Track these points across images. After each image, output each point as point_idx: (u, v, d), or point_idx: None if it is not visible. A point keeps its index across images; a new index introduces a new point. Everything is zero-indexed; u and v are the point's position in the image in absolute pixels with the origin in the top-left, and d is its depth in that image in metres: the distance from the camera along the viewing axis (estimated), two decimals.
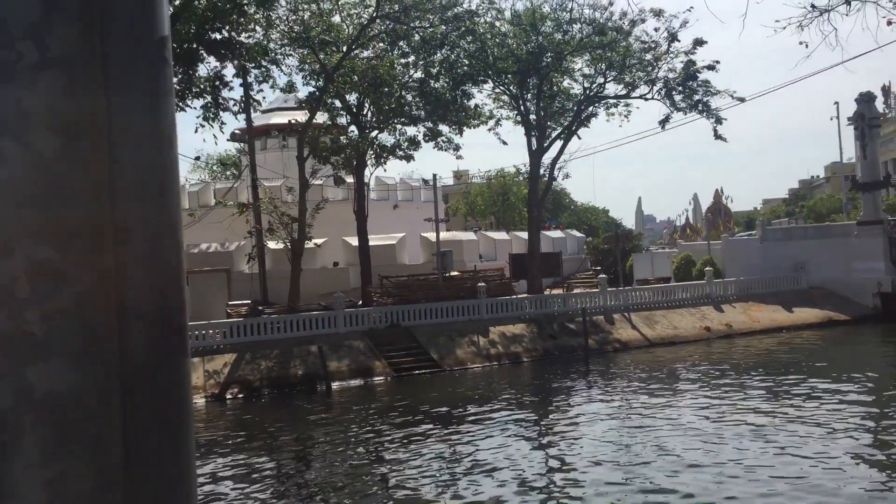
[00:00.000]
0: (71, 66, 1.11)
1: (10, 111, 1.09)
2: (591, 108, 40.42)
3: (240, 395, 26.95)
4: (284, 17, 33.62)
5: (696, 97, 38.67)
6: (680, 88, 38.73)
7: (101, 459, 1.11)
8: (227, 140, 47.68)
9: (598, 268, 48.02)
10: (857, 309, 37.77)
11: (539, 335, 32.97)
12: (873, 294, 38.29)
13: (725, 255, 43.13)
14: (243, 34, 29.86)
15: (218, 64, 29.41)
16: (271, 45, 33.00)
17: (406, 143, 36.91)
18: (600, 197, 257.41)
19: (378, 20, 34.67)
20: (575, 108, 40.12)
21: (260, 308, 32.79)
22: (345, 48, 34.18)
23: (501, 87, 39.87)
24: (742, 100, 38.49)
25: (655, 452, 17.14)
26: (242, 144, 45.80)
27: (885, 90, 64.13)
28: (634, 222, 72.09)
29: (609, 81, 39.86)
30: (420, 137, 37.13)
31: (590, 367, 29.96)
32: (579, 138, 41.09)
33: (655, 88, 39.21)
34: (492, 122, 40.04)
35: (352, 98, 36.85)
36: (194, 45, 27.23)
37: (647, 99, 39.74)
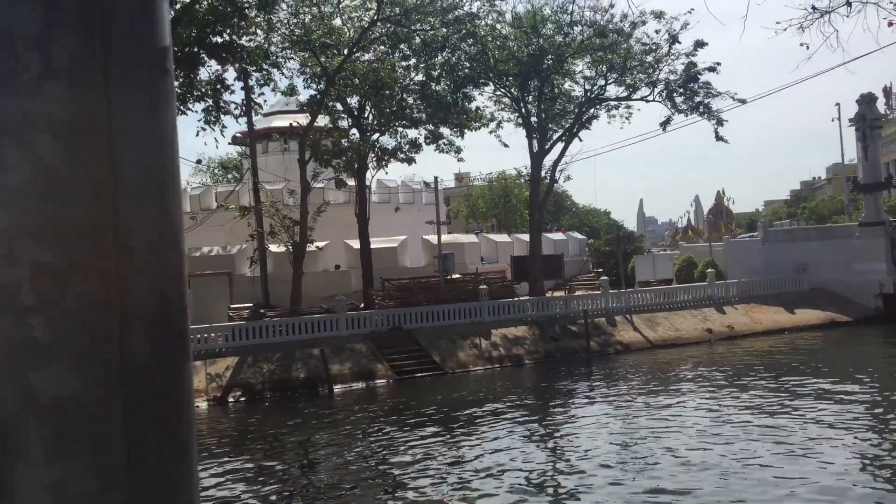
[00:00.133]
0: (73, 75, 1.13)
1: (14, 119, 1.12)
2: (592, 111, 40.45)
3: (242, 399, 26.96)
4: (285, 21, 33.68)
5: (698, 99, 38.68)
6: (681, 90, 38.75)
7: (103, 461, 1.13)
8: (229, 143, 47.79)
9: (600, 270, 48.03)
10: (859, 310, 37.73)
11: (541, 337, 32.96)
12: (875, 295, 38.26)
13: (727, 257, 43.12)
14: (244, 37, 29.91)
15: (219, 67, 29.48)
16: (272, 49, 33.05)
17: (407, 146, 36.96)
18: (602, 199, 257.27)
19: (379, 23, 34.71)
20: (576, 111, 40.14)
21: (262, 311, 32.80)
22: (346, 51, 34.22)
23: (502, 90, 39.91)
24: (743, 101, 38.51)
25: (661, 454, 17.11)
26: (244, 148, 45.82)
27: (887, 91, 64.09)
28: (636, 224, 72.06)
29: (610, 83, 39.91)
30: (421, 140, 37.20)
31: (592, 369, 29.95)
32: (580, 140, 41.05)
33: (656, 90, 39.26)
34: (493, 125, 40.10)
35: (353, 101, 36.89)
36: (195, 49, 27.29)
37: (648, 101, 39.77)
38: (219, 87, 29.63)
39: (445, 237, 41.01)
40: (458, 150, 38.44)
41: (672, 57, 38.39)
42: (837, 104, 56.55)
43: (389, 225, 42.03)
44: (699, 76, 38.23)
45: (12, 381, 1.11)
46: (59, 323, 1.12)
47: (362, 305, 34.81)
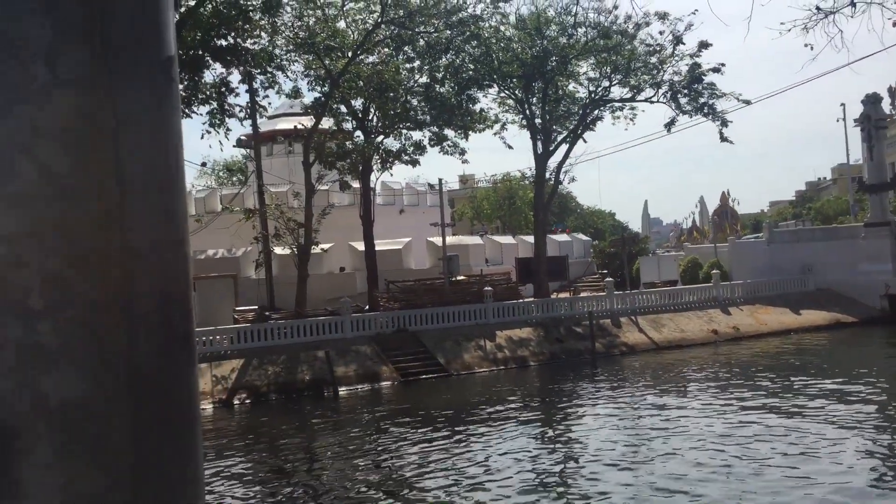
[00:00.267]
0: (81, 87, 1.15)
1: (23, 130, 1.14)
2: (596, 112, 40.43)
3: (247, 401, 27.01)
4: (290, 24, 33.77)
5: (702, 100, 38.66)
6: (685, 91, 38.73)
7: (111, 464, 1.16)
8: (233, 146, 47.97)
9: (605, 271, 48.00)
10: (865, 311, 37.65)
11: (546, 339, 32.96)
12: (881, 296, 38.17)
13: (732, 258, 43.06)
14: (249, 40, 30.02)
15: (224, 70, 29.59)
16: (277, 51, 33.16)
17: (412, 148, 37.01)
18: (606, 200, 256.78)
19: (383, 26, 34.77)
20: (580, 112, 40.14)
21: (267, 313, 32.87)
22: (350, 54, 34.29)
23: (507, 92, 39.93)
24: (748, 102, 38.48)
25: (670, 455, 17.09)
26: (248, 150, 45.98)
27: (892, 91, 63.90)
28: (641, 225, 71.91)
29: (614, 85, 39.90)
30: (426, 142, 37.24)
31: (597, 371, 29.94)
32: (585, 142, 41.13)
33: (661, 91, 39.24)
34: (497, 127, 40.13)
35: (357, 103, 36.96)
36: (200, 52, 27.38)
37: (652, 102, 39.77)
38: (223, 89, 29.73)
39: (450, 239, 41.03)
40: (463, 152, 38.50)
41: (676, 58, 38.43)
42: (842, 104, 56.61)
43: (394, 227, 42.07)
44: (703, 77, 38.21)
45: (21, 384, 1.13)
46: (66, 327, 1.14)
47: (367, 307, 34.85)
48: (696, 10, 40.84)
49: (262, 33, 31.16)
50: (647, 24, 37.66)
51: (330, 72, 34.05)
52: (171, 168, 1.26)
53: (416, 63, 37.14)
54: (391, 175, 41.11)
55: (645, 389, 25.74)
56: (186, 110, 27.74)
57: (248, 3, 28.91)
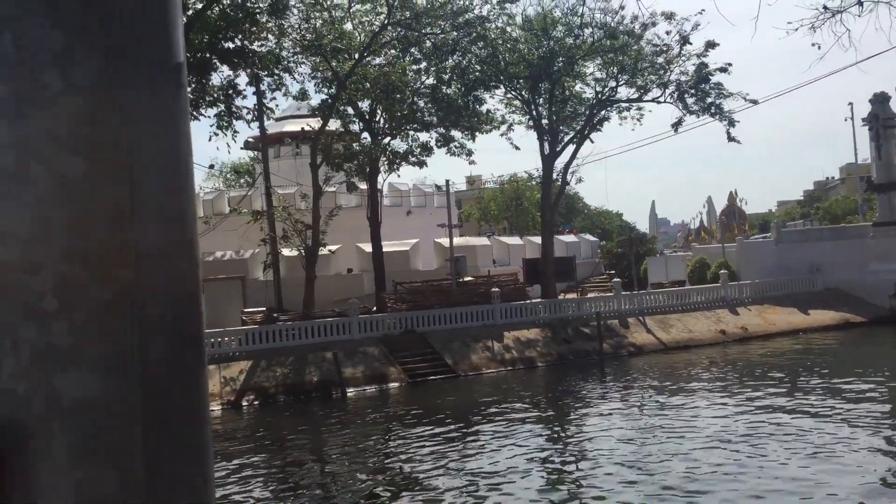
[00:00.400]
0: (93, 93, 1.18)
1: (36, 136, 1.17)
2: (603, 112, 40.37)
3: (255, 402, 27.07)
4: (297, 26, 33.84)
5: (709, 100, 38.56)
6: (692, 91, 38.64)
7: (124, 463, 1.18)
8: (241, 148, 48.00)
9: (612, 272, 47.93)
10: (873, 310, 37.50)
11: (553, 339, 32.94)
12: (889, 295, 38.00)
13: (740, 258, 42.95)
14: (256, 43, 30.11)
15: (231, 73, 29.69)
16: (284, 54, 33.22)
17: (419, 150, 37.03)
18: (613, 201, 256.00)
19: (390, 27, 34.81)
20: (587, 113, 40.09)
21: (275, 315, 32.92)
22: (357, 55, 34.34)
23: (513, 93, 39.91)
24: (755, 102, 38.37)
25: (679, 456, 17.04)
26: (256, 152, 46.06)
27: None
28: (648, 226, 71.77)
29: (621, 85, 39.83)
30: (432, 143, 37.26)
31: (605, 372, 29.90)
32: (592, 142, 40.96)
33: (668, 91, 39.16)
34: (504, 128, 40.09)
35: (364, 105, 37.01)
36: (207, 55, 27.48)
37: (659, 102, 39.68)
38: (231, 92, 29.83)
39: (457, 240, 41.04)
40: (470, 153, 38.51)
41: (683, 58, 38.32)
42: (850, 104, 56.29)
43: (401, 228, 42.10)
44: (710, 77, 38.12)
45: (36, 384, 1.16)
46: (80, 329, 1.17)
47: (375, 309, 34.88)
48: (703, 10, 40.98)
49: (269, 35, 31.26)
50: (654, 24, 37.62)
51: (337, 73, 34.11)
52: (180, 171, 1.29)
53: (423, 64, 37.17)
54: (398, 176, 41.18)
55: (653, 390, 25.68)
56: (194, 113, 27.83)
57: (255, 5, 28.99)
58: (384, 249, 37.19)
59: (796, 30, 12.33)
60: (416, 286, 36.44)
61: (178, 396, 1.26)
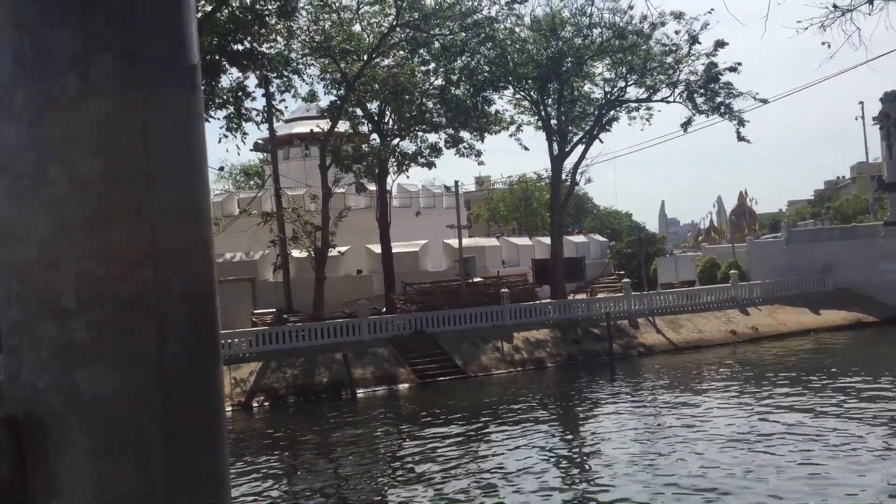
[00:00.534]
0: (110, 95, 1.21)
1: (56, 137, 1.20)
2: (612, 112, 40.30)
3: (266, 404, 27.14)
4: (305, 28, 33.92)
5: (719, 99, 38.44)
6: (702, 91, 38.54)
7: (143, 458, 1.21)
8: (250, 150, 48.22)
9: (622, 272, 47.83)
10: (885, 310, 37.28)
11: (563, 340, 32.90)
12: None
13: (750, 258, 42.78)
14: (265, 45, 30.18)
15: (240, 74, 29.79)
16: (293, 55, 33.30)
17: (427, 151, 37.06)
18: (623, 201, 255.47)
19: (398, 28, 34.85)
20: (596, 113, 40.02)
21: (285, 316, 33.00)
22: (365, 57, 34.40)
23: (522, 93, 39.89)
24: (765, 101, 38.23)
25: (691, 456, 16.99)
26: (265, 154, 46.19)
27: None
28: (658, 226, 71.60)
29: (630, 85, 39.74)
30: (441, 144, 37.30)
31: (615, 372, 29.84)
32: (601, 142, 40.90)
33: (677, 91, 39.06)
34: (513, 128, 40.08)
35: (373, 106, 37.07)
36: (217, 57, 27.56)
37: (668, 102, 39.58)
38: (240, 94, 29.93)
39: (466, 241, 41.04)
40: (479, 154, 38.52)
41: (692, 57, 38.22)
42: (861, 103, 56.01)
43: (410, 229, 42.12)
44: (720, 76, 38.00)
45: (56, 380, 1.19)
46: (98, 326, 1.19)
47: (384, 310, 34.91)
48: (712, 10, 40.72)
49: (279, 37, 31.32)
50: (663, 23, 37.52)
51: (346, 75, 34.18)
52: (195, 172, 1.31)
53: (432, 65, 37.20)
54: (407, 177, 41.17)
55: (664, 390, 25.63)
56: (204, 115, 27.94)
57: (265, 7, 29.08)
58: (393, 250, 37.24)
59: (806, 29, 12.30)
60: (426, 287, 36.46)
61: (195, 392, 1.28)
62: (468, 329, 32.33)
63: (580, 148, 40.29)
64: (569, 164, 40.50)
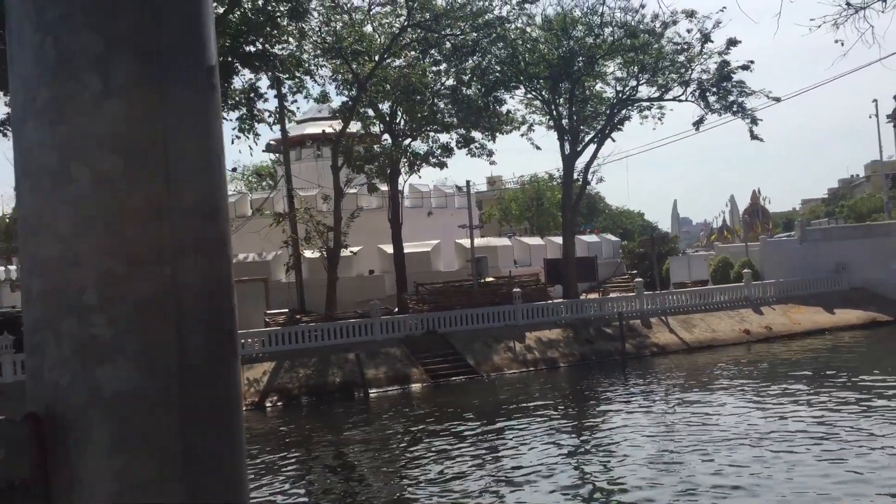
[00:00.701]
0: (131, 95, 1.23)
1: (78, 136, 1.22)
2: (624, 112, 40.24)
3: (279, 404, 27.24)
4: (317, 29, 34.03)
5: (731, 98, 38.31)
6: (714, 89, 38.41)
7: (162, 451, 1.23)
8: (263, 151, 48.41)
9: (634, 271, 47.73)
10: None
11: (575, 340, 32.87)
12: None
13: (764, 257, 42.61)
14: (277, 46, 30.29)
15: (252, 76, 29.91)
16: (305, 57, 33.42)
17: (439, 151, 37.10)
18: (635, 200, 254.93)
19: (409, 29, 34.91)
20: (608, 112, 39.96)
21: (297, 316, 33.11)
22: (377, 57, 34.47)
23: (533, 93, 39.87)
24: (778, 99, 38.07)
25: (709, 456, 16.93)
26: (277, 155, 46.33)
27: None
28: (670, 225, 71.44)
29: (642, 84, 39.66)
30: (453, 144, 37.34)
31: (628, 372, 29.78)
32: (613, 142, 40.89)
33: (689, 90, 38.96)
34: (524, 128, 40.11)
35: (385, 107, 37.15)
36: (229, 58, 27.68)
37: (680, 101, 39.48)
38: (252, 95, 30.05)
39: (478, 241, 41.06)
40: (490, 154, 38.55)
41: (704, 56, 38.10)
42: (875, 100, 55.70)
43: (422, 229, 42.18)
44: (732, 75, 37.87)
45: (78, 375, 1.21)
46: (120, 322, 1.21)
47: (396, 310, 34.97)
48: (724, 8, 40.72)
49: (290, 39, 31.43)
50: (675, 22, 37.42)
51: (357, 76, 34.26)
52: (214, 171, 1.33)
53: (443, 65, 37.25)
54: (419, 177, 41.27)
55: (678, 390, 25.55)
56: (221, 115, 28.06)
57: (276, 9, 29.19)
58: (405, 251, 37.29)
59: (819, 26, 12.25)
60: (438, 287, 36.50)
61: (213, 388, 1.30)
62: (480, 329, 32.34)
63: (592, 147, 40.28)
64: (581, 163, 40.50)
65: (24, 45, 1.25)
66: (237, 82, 29.47)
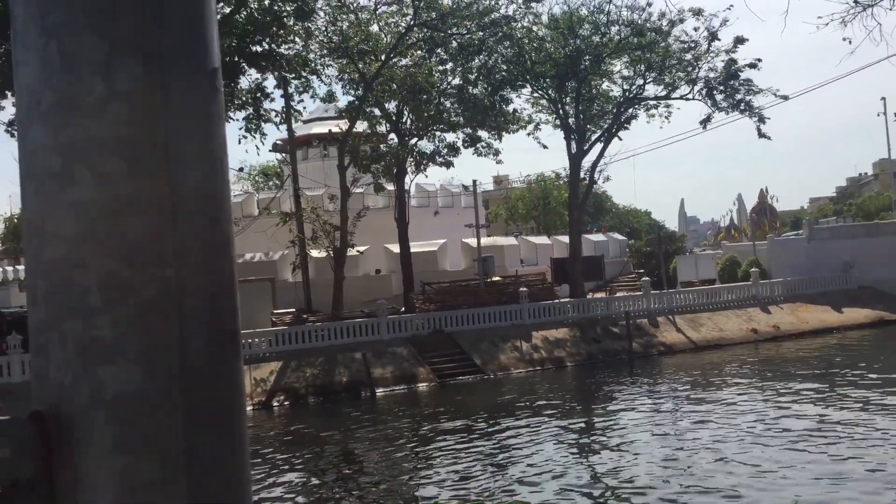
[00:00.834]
0: (134, 98, 1.24)
1: (81, 138, 1.23)
2: (630, 110, 40.17)
3: (286, 403, 27.29)
4: (323, 28, 34.07)
5: (738, 96, 38.22)
6: (721, 88, 38.31)
7: (164, 452, 1.23)
8: (269, 150, 48.35)
9: (641, 270, 47.63)
10: None
11: (582, 339, 32.83)
12: None
13: (771, 256, 42.48)
14: (283, 46, 30.32)
15: (259, 76, 29.95)
16: (311, 56, 33.44)
17: (445, 150, 37.11)
18: (642, 199, 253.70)
19: (415, 28, 34.92)
20: (614, 111, 39.90)
21: (304, 316, 33.16)
22: (383, 57, 34.50)
23: (540, 92, 39.83)
24: (785, 98, 37.97)
25: (718, 455, 16.89)
26: (284, 154, 46.40)
27: None
28: (677, 224, 71.31)
29: (649, 82, 39.61)
30: (459, 144, 37.34)
31: (635, 371, 29.74)
32: (620, 140, 40.90)
33: (696, 88, 38.87)
34: (531, 127, 40.08)
35: (391, 106, 37.16)
36: (235, 58, 27.71)
37: (687, 99, 39.41)
38: (259, 95, 30.09)
39: (485, 240, 41.04)
40: (497, 153, 38.56)
41: (711, 54, 38.01)
42: (883, 98, 55.50)
43: (429, 229, 42.19)
44: (740, 73, 37.77)
45: (82, 376, 1.22)
46: (122, 323, 1.22)
47: (403, 309, 34.99)
48: (731, 6, 40.38)
49: (297, 38, 31.46)
50: (682, 20, 37.33)
51: (364, 75, 34.29)
52: (217, 174, 1.34)
53: (449, 65, 37.24)
54: (425, 177, 41.30)
55: (686, 389, 25.49)
56: (225, 116, 28.11)
57: (282, 9, 29.22)
58: (412, 250, 37.30)
59: (827, 24, 12.22)
60: (444, 286, 36.51)
61: (215, 389, 1.31)
62: (487, 328, 32.33)
63: (599, 146, 40.22)
64: (587, 162, 40.45)
65: (29, 48, 1.26)
66: (244, 82, 29.54)
